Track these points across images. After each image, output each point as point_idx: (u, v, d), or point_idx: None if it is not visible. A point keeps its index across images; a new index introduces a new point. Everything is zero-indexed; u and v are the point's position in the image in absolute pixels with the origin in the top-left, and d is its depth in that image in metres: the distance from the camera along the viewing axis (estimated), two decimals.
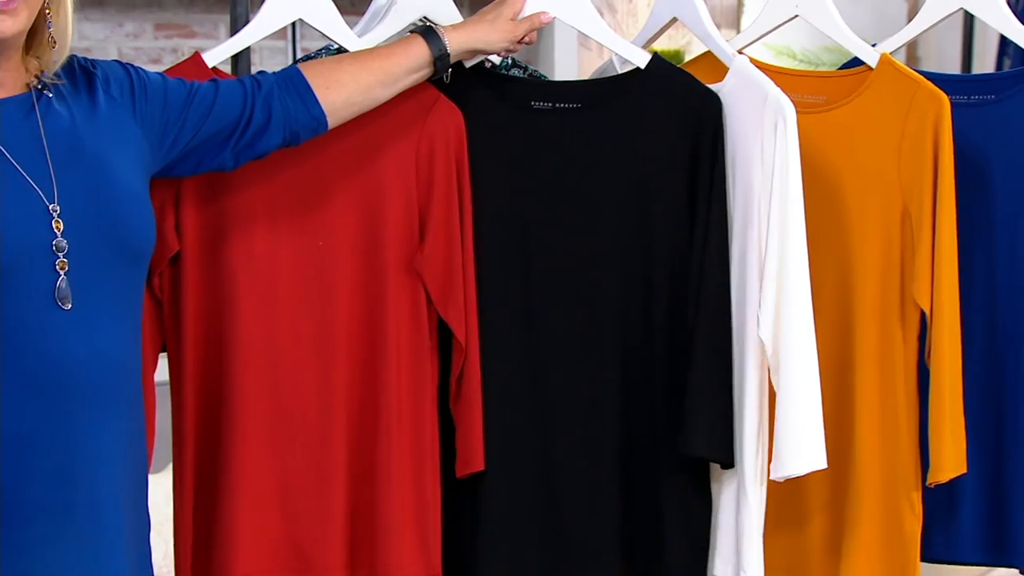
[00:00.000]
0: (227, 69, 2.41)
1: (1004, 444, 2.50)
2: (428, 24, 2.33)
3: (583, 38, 4.80)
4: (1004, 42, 5.25)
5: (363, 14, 2.49)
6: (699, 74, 2.49)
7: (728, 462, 2.36)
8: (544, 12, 2.36)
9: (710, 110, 2.34)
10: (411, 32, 2.31)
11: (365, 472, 2.34)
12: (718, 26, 2.51)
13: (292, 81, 2.20)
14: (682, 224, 2.35)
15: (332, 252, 2.33)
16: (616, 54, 2.47)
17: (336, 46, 2.43)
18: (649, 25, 2.56)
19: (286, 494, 2.33)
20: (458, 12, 2.41)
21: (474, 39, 2.32)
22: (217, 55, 2.36)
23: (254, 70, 2.36)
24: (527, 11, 2.35)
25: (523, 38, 2.35)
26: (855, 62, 2.51)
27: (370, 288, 2.34)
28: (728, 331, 2.35)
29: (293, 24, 2.41)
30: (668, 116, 2.36)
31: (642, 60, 2.39)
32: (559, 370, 2.40)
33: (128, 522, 2.04)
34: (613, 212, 2.38)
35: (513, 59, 2.56)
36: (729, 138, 2.36)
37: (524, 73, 2.56)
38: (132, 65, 2.13)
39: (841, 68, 2.57)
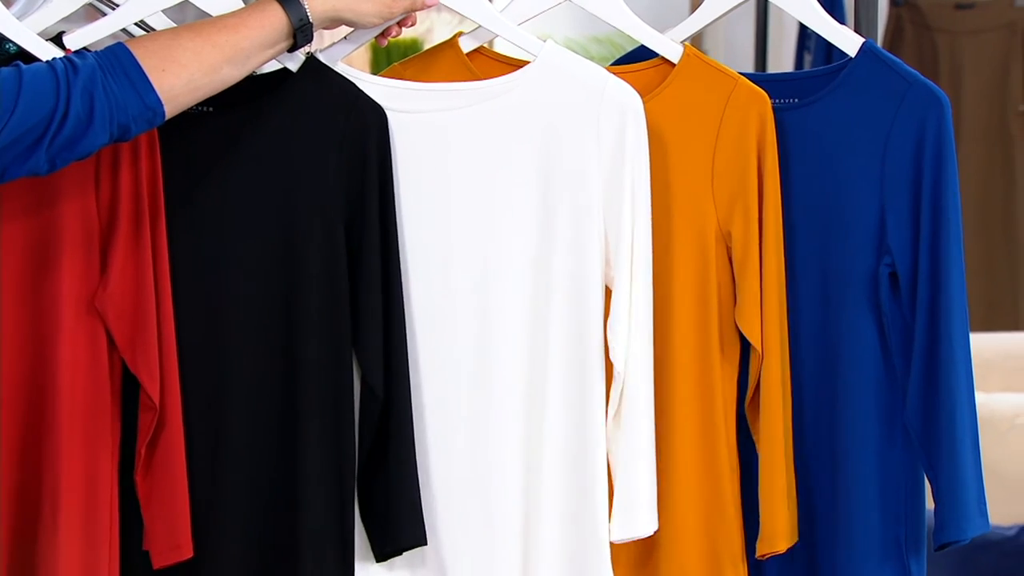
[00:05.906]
0: None
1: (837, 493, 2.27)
2: None
3: None
4: (804, 34, 5.30)
5: None
6: (441, 70, 2.28)
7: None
8: None
9: (375, 120, 2.22)
10: None
11: (27, 564, 2.15)
12: None
13: (119, 62, 2.03)
14: (336, 243, 2.21)
15: None
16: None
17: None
18: None
19: None
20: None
21: (341, 6, 2.16)
22: None
23: None
24: None
25: (401, 19, 2.20)
26: (635, 56, 2.29)
27: (36, 333, 2.13)
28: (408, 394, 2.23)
29: None
30: (318, 124, 2.21)
31: (294, 63, 2.22)
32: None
33: None
34: (252, 226, 2.23)
35: None
36: (536, 131, 2.22)
37: None
38: None
39: (615, 63, 2.34)
